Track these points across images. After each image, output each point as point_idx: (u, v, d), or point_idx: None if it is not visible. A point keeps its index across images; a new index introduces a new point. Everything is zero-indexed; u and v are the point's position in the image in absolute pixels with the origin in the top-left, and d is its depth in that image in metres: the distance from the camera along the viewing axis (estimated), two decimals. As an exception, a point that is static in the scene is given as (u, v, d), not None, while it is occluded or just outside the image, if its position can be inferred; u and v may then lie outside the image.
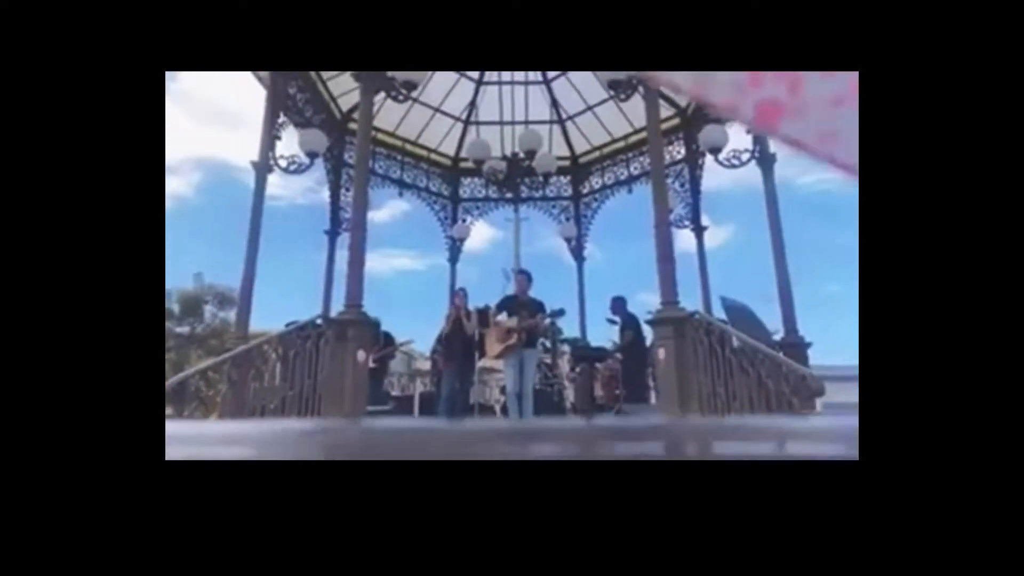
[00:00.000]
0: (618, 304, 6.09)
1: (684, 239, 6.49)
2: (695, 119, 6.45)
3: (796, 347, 4.22)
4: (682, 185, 6.66)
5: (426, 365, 7.39)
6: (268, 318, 6.64)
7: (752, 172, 4.94)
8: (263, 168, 4.87)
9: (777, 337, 4.36)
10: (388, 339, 6.11)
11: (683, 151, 6.74)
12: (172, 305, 16.46)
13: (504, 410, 5.72)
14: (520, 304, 5.17)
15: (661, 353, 3.60)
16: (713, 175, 6.47)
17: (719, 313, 4.78)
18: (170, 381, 3.32)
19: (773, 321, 4.56)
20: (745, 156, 4.97)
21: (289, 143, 5.28)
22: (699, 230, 6.46)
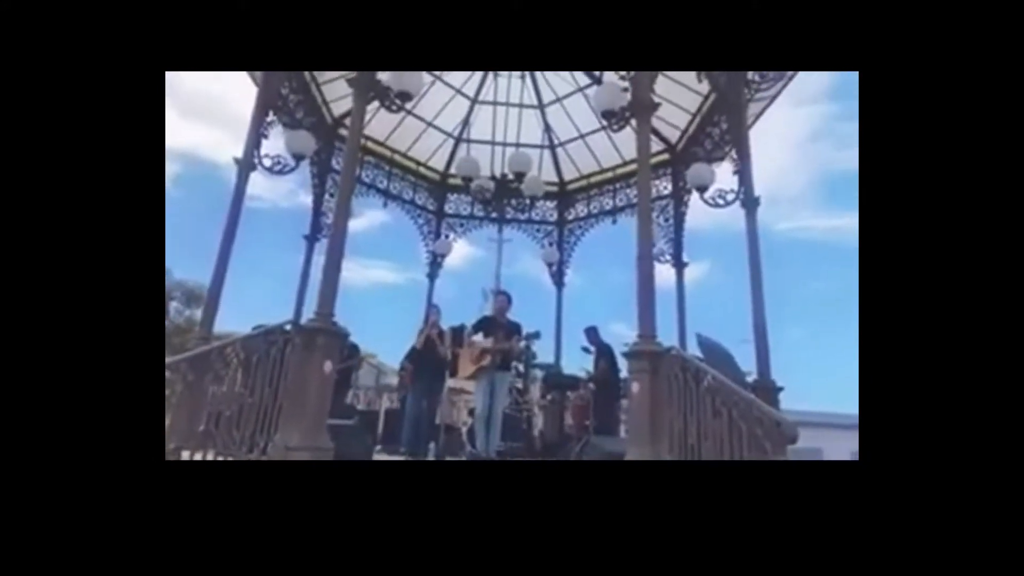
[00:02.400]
0: (592, 333, 6.07)
1: (662, 274, 6.52)
2: (684, 156, 6.55)
3: (767, 391, 4.20)
4: (666, 220, 6.72)
5: (395, 380, 7.22)
6: (238, 320, 6.44)
7: (731, 214, 5.00)
8: (246, 166, 4.75)
9: (750, 379, 4.34)
10: (354, 350, 5.94)
11: (670, 187, 6.82)
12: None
13: (470, 433, 5.58)
14: (497, 325, 5.09)
15: (635, 386, 3.55)
16: (695, 213, 6.54)
17: (694, 350, 4.77)
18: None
19: (747, 363, 4.55)
20: (730, 196, 5.03)
21: (276, 143, 5.19)
22: (680, 266, 6.50)
